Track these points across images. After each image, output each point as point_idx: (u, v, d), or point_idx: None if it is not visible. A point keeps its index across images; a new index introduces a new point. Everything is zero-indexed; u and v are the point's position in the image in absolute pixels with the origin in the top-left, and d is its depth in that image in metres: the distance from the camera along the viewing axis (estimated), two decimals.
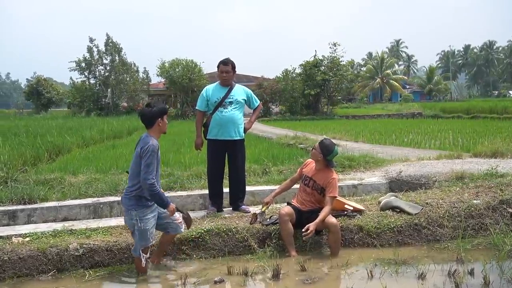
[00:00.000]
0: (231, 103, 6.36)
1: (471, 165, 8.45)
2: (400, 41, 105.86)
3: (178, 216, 4.95)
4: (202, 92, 6.58)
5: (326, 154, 5.55)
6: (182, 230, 5.06)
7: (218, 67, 6.44)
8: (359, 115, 36.83)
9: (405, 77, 79.71)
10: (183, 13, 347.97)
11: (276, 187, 6.42)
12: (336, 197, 5.55)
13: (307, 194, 5.61)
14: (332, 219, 5.33)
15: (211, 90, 6.50)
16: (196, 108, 6.62)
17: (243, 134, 6.55)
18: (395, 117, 35.37)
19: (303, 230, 5.09)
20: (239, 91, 6.51)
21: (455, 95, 77.40)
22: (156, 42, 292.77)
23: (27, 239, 5.28)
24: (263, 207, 5.79)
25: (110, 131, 19.06)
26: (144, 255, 4.77)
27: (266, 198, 5.99)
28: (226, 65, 6.37)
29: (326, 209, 5.32)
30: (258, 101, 6.81)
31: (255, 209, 6.41)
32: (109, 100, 41.40)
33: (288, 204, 5.71)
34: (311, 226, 5.08)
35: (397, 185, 7.80)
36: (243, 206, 6.47)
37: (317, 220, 5.17)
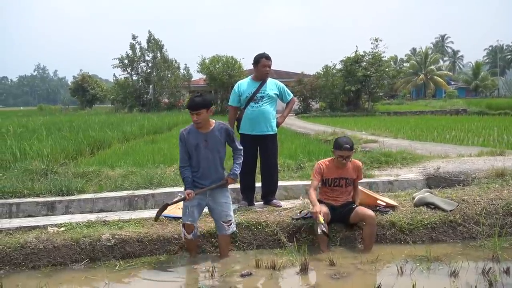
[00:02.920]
0: (262, 97, 6.33)
1: None
2: (446, 37, 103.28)
3: (229, 216, 5.07)
4: (234, 88, 6.60)
5: (352, 147, 5.47)
6: (227, 232, 5.09)
7: (257, 61, 6.35)
8: (401, 112, 36.20)
9: (450, 73, 77.70)
10: (224, 10, 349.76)
11: (309, 182, 6.34)
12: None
13: (341, 192, 5.54)
14: (369, 212, 5.31)
15: (243, 85, 6.49)
16: (229, 104, 6.64)
17: (276, 129, 6.52)
18: (438, 113, 34.58)
19: None
20: (271, 86, 6.45)
21: (503, 91, 74.95)
22: (197, 39, 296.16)
23: (62, 229, 5.43)
24: (320, 219, 5.07)
25: (150, 126, 19.40)
26: (186, 233, 4.97)
27: (316, 208, 5.17)
28: (269, 59, 6.34)
29: (359, 193, 5.72)
30: (291, 95, 6.73)
31: (286, 204, 6.40)
32: (150, 96, 42.04)
33: (320, 202, 5.57)
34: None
35: (434, 181, 7.62)
36: (274, 200, 6.45)
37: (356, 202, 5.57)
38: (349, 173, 5.51)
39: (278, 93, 6.49)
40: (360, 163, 5.64)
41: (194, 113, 4.80)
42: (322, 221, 5.07)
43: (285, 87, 6.64)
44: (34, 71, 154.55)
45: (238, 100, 6.49)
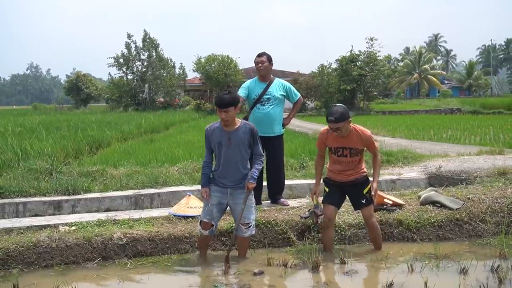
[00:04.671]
0: (269, 99, 6.35)
1: None
2: (439, 36, 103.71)
3: (250, 219, 4.98)
4: (244, 84, 6.59)
5: (347, 116, 4.89)
6: (244, 234, 4.94)
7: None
8: (396, 111, 36.40)
9: (444, 72, 78.10)
10: (220, 9, 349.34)
11: (313, 181, 6.31)
12: (377, 147, 5.24)
13: (347, 163, 5.07)
14: (369, 221, 5.12)
15: (249, 86, 6.49)
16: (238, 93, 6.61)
17: (282, 130, 6.56)
18: (433, 112, 34.77)
19: (372, 193, 5.04)
20: (277, 87, 6.46)
21: (496, 90, 75.31)
22: (193, 38, 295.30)
23: (73, 228, 5.46)
24: (314, 199, 5.24)
25: (147, 125, 19.41)
26: (202, 230, 4.97)
27: (314, 188, 5.32)
28: (260, 56, 6.37)
29: (377, 162, 5.13)
30: (298, 95, 6.72)
31: (293, 203, 6.45)
32: (146, 96, 42.03)
33: (326, 182, 5.25)
34: (374, 188, 5.02)
35: (436, 180, 7.71)
36: (281, 200, 6.50)
37: (375, 179, 5.06)
38: (353, 143, 5.00)
39: (284, 93, 6.50)
40: (367, 133, 5.05)
41: (223, 111, 4.73)
42: (315, 202, 5.19)
43: (291, 87, 6.66)
44: (27, 70, 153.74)
45: (246, 94, 6.44)
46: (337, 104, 5.08)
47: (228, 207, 5.06)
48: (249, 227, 4.95)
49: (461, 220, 5.72)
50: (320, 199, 5.32)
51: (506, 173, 7.26)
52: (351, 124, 4.99)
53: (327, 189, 5.26)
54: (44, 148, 10.17)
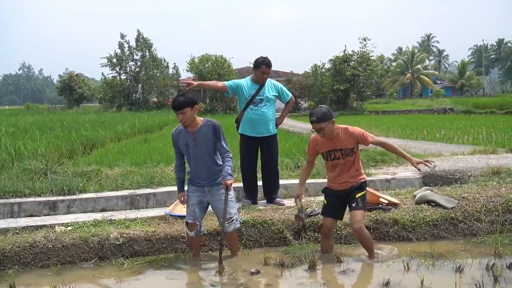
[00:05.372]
0: (261, 100, 6.37)
1: (507, 160, 8.34)
2: (431, 36, 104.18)
3: (231, 213, 4.98)
4: (240, 81, 6.53)
5: (330, 116, 4.82)
6: (228, 229, 4.96)
7: (258, 66, 6.31)
8: (389, 111, 36.53)
9: (436, 72, 78.52)
10: (214, 9, 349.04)
11: (308, 181, 6.26)
12: (372, 137, 5.03)
13: (341, 166, 4.96)
14: (354, 225, 4.88)
15: (245, 84, 6.45)
16: (224, 82, 6.61)
17: (275, 130, 6.59)
18: (426, 112, 34.93)
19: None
20: (270, 88, 6.47)
21: (488, 90, 75.82)
22: (187, 38, 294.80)
23: (69, 228, 5.45)
24: (298, 203, 5.19)
25: (141, 125, 19.38)
26: (188, 231, 5.00)
27: (296, 191, 5.24)
28: (269, 67, 6.32)
29: (390, 146, 5.14)
30: (290, 95, 6.74)
31: (288, 202, 6.47)
32: (139, 96, 41.96)
33: (325, 193, 5.14)
34: (412, 159, 5.06)
35: (431, 179, 7.75)
36: (277, 199, 6.53)
37: (404, 155, 5.06)
38: (342, 143, 4.91)
39: (277, 94, 6.53)
40: (355, 130, 4.94)
41: (179, 113, 4.76)
42: (299, 207, 5.13)
43: (283, 87, 6.68)
44: (19, 70, 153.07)
45: (234, 89, 6.41)
46: (320, 105, 5.09)
47: (209, 205, 5.09)
48: (232, 221, 4.99)
49: (456, 219, 5.76)
50: (304, 202, 5.34)
51: (500, 172, 7.32)
52: (338, 126, 4.95)
53: (325, 201, 5.15)
54: (38, 148, 10.13)
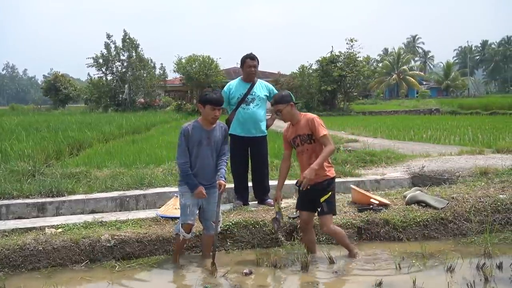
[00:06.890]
0: (253, 99, 6.39)
1: (495, 161, 8.44)
2: (417, 37, 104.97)
3: (220, 216, 5.03)
4: (224, 89, 6.54)
5: (288, 99, 4.95)
6: (217, 230, 4.97)
7: (243, 62, 6.45)
8: (376, 111, 36.79)
9: (422, 73, 79.18)
10: (200, 10, 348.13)
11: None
12: (326, 135, 4.80)
13: (304, 153, 4.93)
14: (324, 228, 4.92)
15: (233, 86, 6.51)
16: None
17: (265, 131, 6.59)
18: (412, 113, 35.26)
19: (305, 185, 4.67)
20: (261, 87, 6.52)
21: (473, 91, 76.76)
22: (173, 39, 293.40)
23: (60, 230, 5.40)
24: (276, 206, 5.14)
25: (129, 126, 19.30)
26: (185, 233, 4.88)
27: (275, 195, 5.19)
28: (253, 59, 6.42)
29: (325, 151, 4.73)
30: None
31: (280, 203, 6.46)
32: (126, 96, 41.73)
33: (297, 185, 4.94)
34: (305, 173, 4.65)
35: (420, 180, 7.82)
36: (268, 200, 6.51)
37: (313, 166, 4.64)
38: (301, 129, 4.93)
39: (268, 94, 6.56)
40: (312, 116, 4.95)
41: (217, 109, 4.81)
42: (277, 209, 5.11)
43: (274, 88, 6.72)
44: (2, 70, 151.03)
45: (227, 103, 6.46)
46: (284, 90, 5.28)
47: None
48: (219, 222, 5.05)
49: (446, 219, 5.80)
50: (282, 204, 5.34)
51: (488, 172, 7.40)
52: (303, 113, 5.04)
53: (298, 195, 5.16)
54: (24, 149, 10.05)
